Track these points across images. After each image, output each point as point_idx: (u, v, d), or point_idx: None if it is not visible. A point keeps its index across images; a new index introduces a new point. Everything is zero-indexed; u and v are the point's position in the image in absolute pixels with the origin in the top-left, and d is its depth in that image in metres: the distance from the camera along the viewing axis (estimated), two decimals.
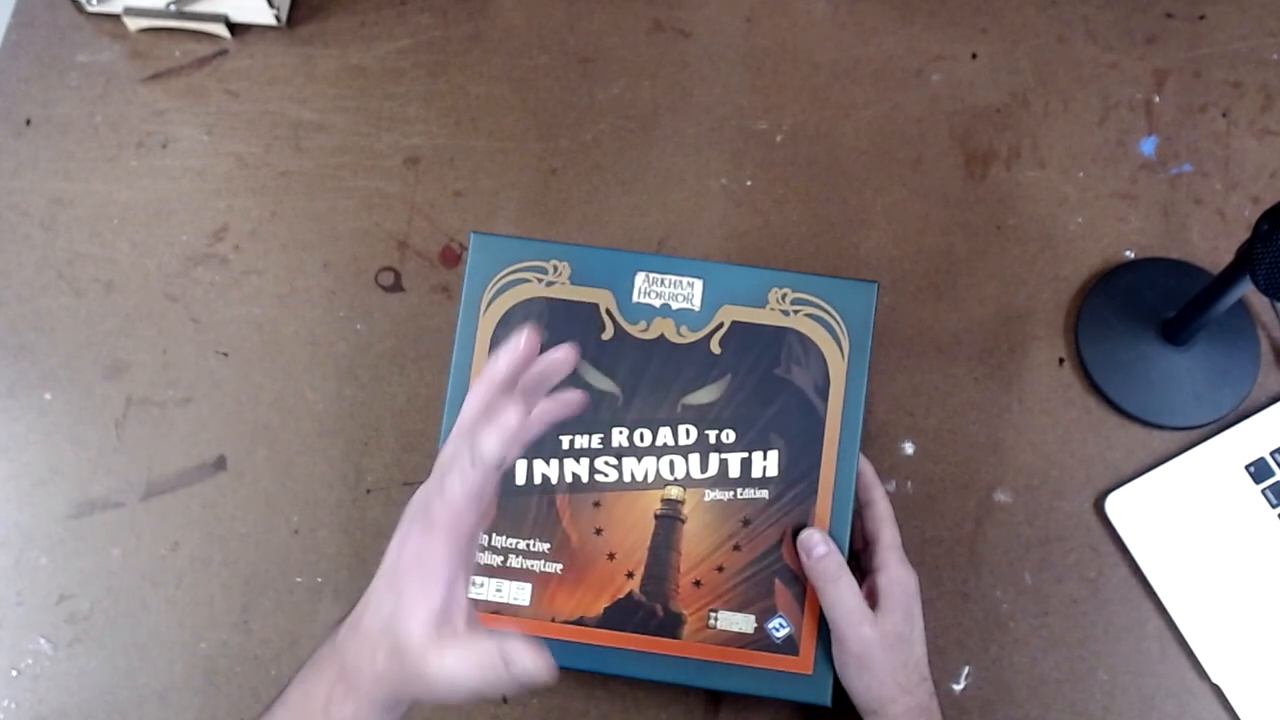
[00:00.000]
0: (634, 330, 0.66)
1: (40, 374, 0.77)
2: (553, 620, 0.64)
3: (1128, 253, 0.78)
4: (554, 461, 0.65)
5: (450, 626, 0.48)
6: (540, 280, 0.67)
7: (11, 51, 0.85)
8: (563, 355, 0.52)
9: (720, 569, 0.64)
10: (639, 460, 0.65)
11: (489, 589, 0.65)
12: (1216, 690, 0.68)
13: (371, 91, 0.83)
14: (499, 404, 0.47)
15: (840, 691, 0.63)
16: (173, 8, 0.82)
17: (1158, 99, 0.82)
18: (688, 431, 0.65)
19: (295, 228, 0.80)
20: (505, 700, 0.69)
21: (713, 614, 0.64)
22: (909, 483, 0.73)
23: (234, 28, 0.84)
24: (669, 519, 0.65)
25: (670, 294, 0.66)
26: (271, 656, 0.71)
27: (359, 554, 0.72)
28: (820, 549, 0.62)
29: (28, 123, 0.83)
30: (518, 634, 0.47)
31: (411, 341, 0.77)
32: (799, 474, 0.65)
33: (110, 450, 0.75)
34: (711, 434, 0.65)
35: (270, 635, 0.71)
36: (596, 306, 0.66)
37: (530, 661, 0.46)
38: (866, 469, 0.66)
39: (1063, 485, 0.73)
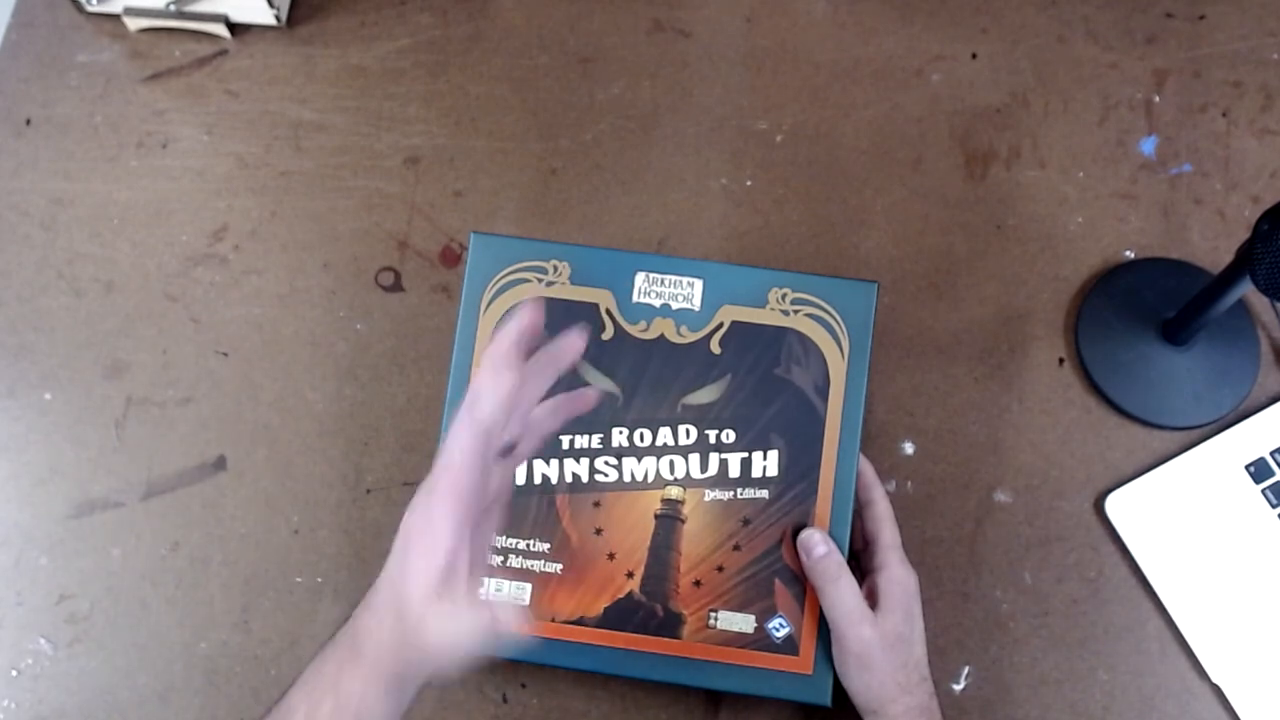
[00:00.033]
0: (634, 330, 0.66)
1: (40, 374, 0.77)
2: (553, 620, 0.64)
3: (1128, 253, 0.78)
4: (554, 461, 0.65)
5: (451, 591, 0.48)
6: (540, 280, 0.67)
7: (11, 51, 0.85)
8: (574, 337, 0.53)
9: (720, 569, 0.64)
10: (639, 460, 0.65)
11: (489, 589, 0.65)
12: (1216, 690, 0.68)
13: (371, 91, 0.83)
14: (499, 369, 0.48)
15: (840, 691, 0.63)
16: (173, 8, 0.82)
17: (1158, 99, 0.82)
18: (688, 431, 0.65)
19: (295, 228, 0.80)
20: (505, 700, 0.69)
21: (713, 614, 0.64)
22: (909, 483, 0.73)
23: (234, 28, 0.84)
24: (669, 519, 0.65)
25: (670, 294, 0.66)
26: (271, 656, 0.71)
27: (359, 554, 0.72)
28: (820, 549, 0.62)
29: (28, 123, 0.83)
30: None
31: (411, 341, 0.77)
32: (799, 474, 0.65)
33: (110, 450, 0.75)
34: (711, 434, 0.65)
35: (270, 635, 0.71)
36: (596, 306, 0.66)
37: (513, 620, 0.50)
38: (866, 469, 0.66)
39: (1063, 485, 0.73)
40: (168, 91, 0.83)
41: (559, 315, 0.66)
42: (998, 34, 0.84)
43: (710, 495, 0.65)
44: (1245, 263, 0.61)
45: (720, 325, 0.66)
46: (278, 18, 0.84)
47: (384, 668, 0.49)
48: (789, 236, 0.79)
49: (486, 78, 0.84)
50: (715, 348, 0.66)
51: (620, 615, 0.64)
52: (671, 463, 0.65)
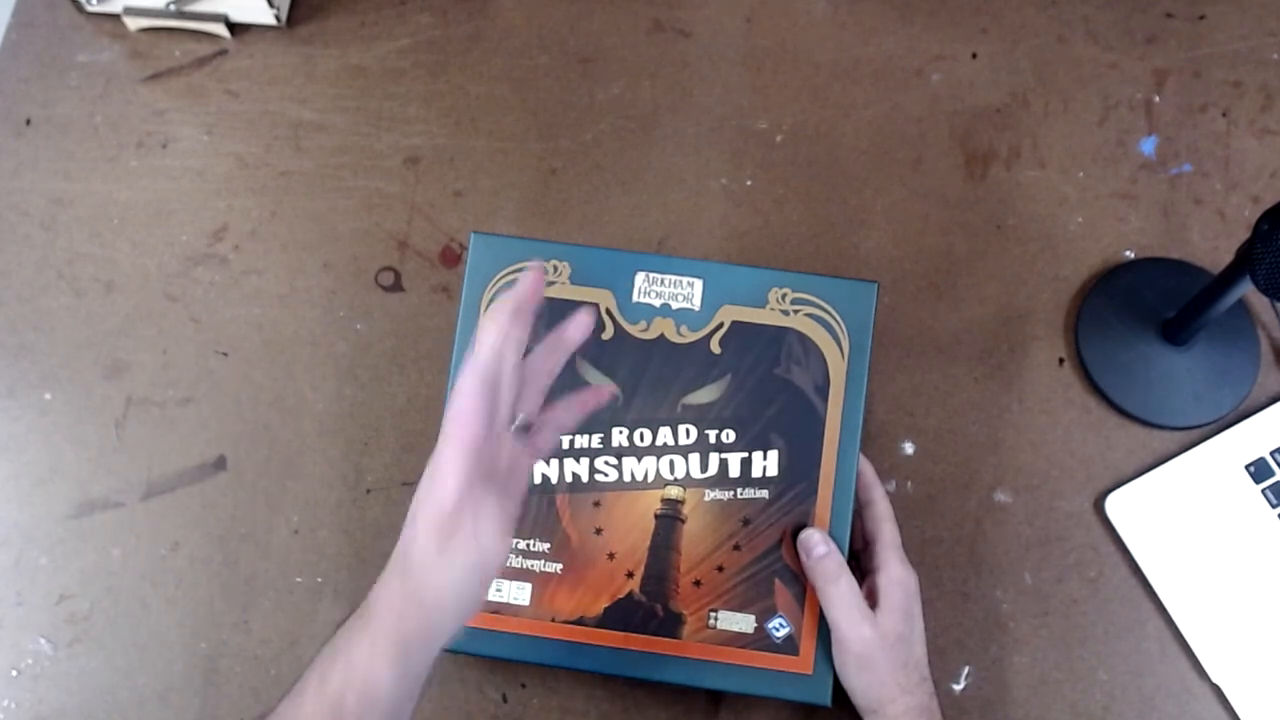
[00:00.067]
0: (634, 330, 0.66)
1: (40, 374, 0.77)
2: (553, 620, 0.64)
3: (1128, 253, 0.78)
4: (554, 461, 0.65)
5: (453, 540, 0.49)
6: (527, 270, 0.66)
7: (11, 51, 0.85)
8: (582, 316, 0.56)
9: (720, 569, 0.64)
10: (639, 460, 0.65)
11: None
12: (1216, 690, 0.68)
13: (371, 91, 0.83)
14: (497, 316, 0.50)
15: (840, 691, 0.63)
16: (173, 7, 0.82)
17: (1158, 99, 0.82)
18: (688, 431, 0.65)
19: (295, 228, 0.80)
20: (505, 700, 0.69)
21: (713, 614, 0.64)
22: (909, 483, 0.73)
23: (234, 28, 0.84)
24: (669, 519, 0.65)
25: (670, 294, 0.66)
26: (271, 656, 0.71)
27: (359, 554, 0.72)
28: (820, 549, 0.62)
29: (28, 123, 0.83)
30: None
31: (411, 341, 0.77)
32: (799, 474, 0.65)
33: (110, 450, 0.75)
34: (711, 434, 0.65)
35: (270, 635, 0.71)
36: (597, 306, 0.66)
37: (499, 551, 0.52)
38: (866, 469, 0.66)
39: (1063, 485, 0.73)
40: (168, 91, 0.83)
41: (559, 315, 0.66)
42: (998, 34, 0.84)
43: (710, 495, 0.65)
44: (1245, 263, 0.61)
45: (720, 325, 0.66)
46: (278, 18, 0.84)
47: (389, 632, 0.49)
48: (789, 236, 0.79)
49: (486, 78, 0.84)
50: (715, 348, 0.66)
51: (620, 615, 0.64)
52: (671, 462, 0.65)
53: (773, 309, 0.66)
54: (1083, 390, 0.75)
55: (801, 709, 0.69)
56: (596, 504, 0.65)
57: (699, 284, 0.66)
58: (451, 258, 0.79)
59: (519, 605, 0.65)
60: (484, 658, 0.68)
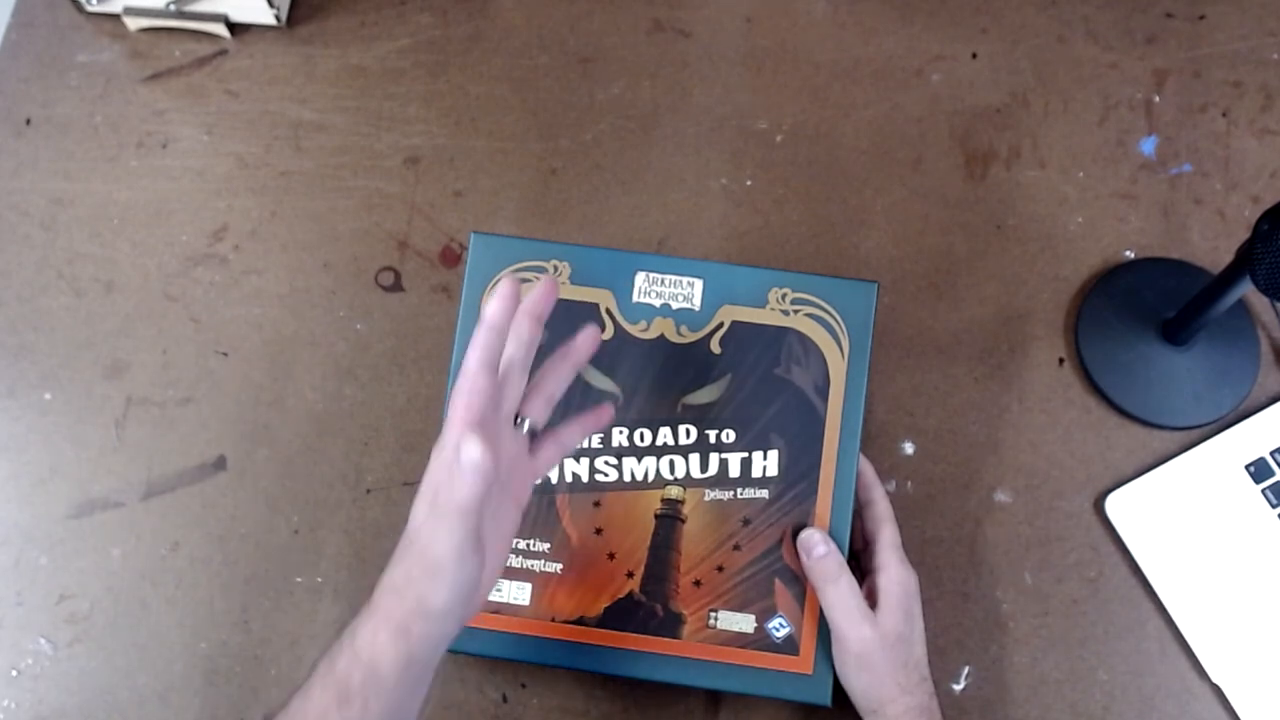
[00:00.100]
0: (634, 330, 0.66)
1: (40, 374, 0.77)
2: (553, 620, 0.64)
3: (1128, 253, 0.78)
4: None
5: (443, 505, 0.50)
6: (540, 280, 0.66)
7: (11, 51, 0.85)
8: (590, 331, 0.59)
9: (720, 569, 0.64)
10: (639, 460, 0.65)
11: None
12: (1216, 690, 0.68)
13: (371, 91, 0.83)
14: (503, 289, 0.54)
15: (840, 691, 0.63)
16: (173, 7, 0.82)
17: (1158, 99, 0.82)
18: (688, 431, 0.65)
19: (295, 228, 0.80)
20: (505, 700, 0.69)
21: (713, 614, 0.64)
22: (909, 483, 0.73)
23: (234, 28, 0.84)
24: (669, 519, 0.65)
25: (670, 294, 0.66)
26: (271, 656, 0.71)
27: (359, 554, 0.72)
28: (820, 549, 0.62)
29: (28, 123, 0.83)
30: None
31: (411, 341, 0.77)
32: (799, 474, 0.65)
33: (110, 450, 0.75)
34: (711, 434, 0.65)
35: (270, 635, 0.71)
36: (597, 306, 0.66)
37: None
38: (866, 469, 0.66)
39: (1063, 485, 0.73)
40: (168, 91, 0.83)
41: (559, 315, 0.66)
42: (998, 34, 0.84)
43: (710, 495, 0.65)
44: (1245, 263, 0.61)
45: (720, 325, 0.66)
46: (278, 18, 0.84)
47: (390, 611, 0.50)
48: (789, 236, 0.79)
49: (486, 78, 0.84)
50: (715, 347, 0.66)
51: (620, 615, 0.64)
52: (671, 462, 0.65)
53: (773, 309, 0.66)
54: (1083, 390, 0.75)
55: (801, 709, 0.69)
56: (597, 504, 0.65)
57: (699, 284, 0.66)
58: (451, 258, 0.79)
59: (519, 605, 0.65)
60: (484, 658, 0.68)
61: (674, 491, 0.65)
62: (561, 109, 0.83)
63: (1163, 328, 0.74)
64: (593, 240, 0.79)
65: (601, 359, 0.65)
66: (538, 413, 0.57)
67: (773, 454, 0.65)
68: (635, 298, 0.66)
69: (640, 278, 0.67)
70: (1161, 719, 0.68)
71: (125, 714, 0.70)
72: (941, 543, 0.72)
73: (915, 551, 0.67)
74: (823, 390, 0.65)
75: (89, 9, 0.84)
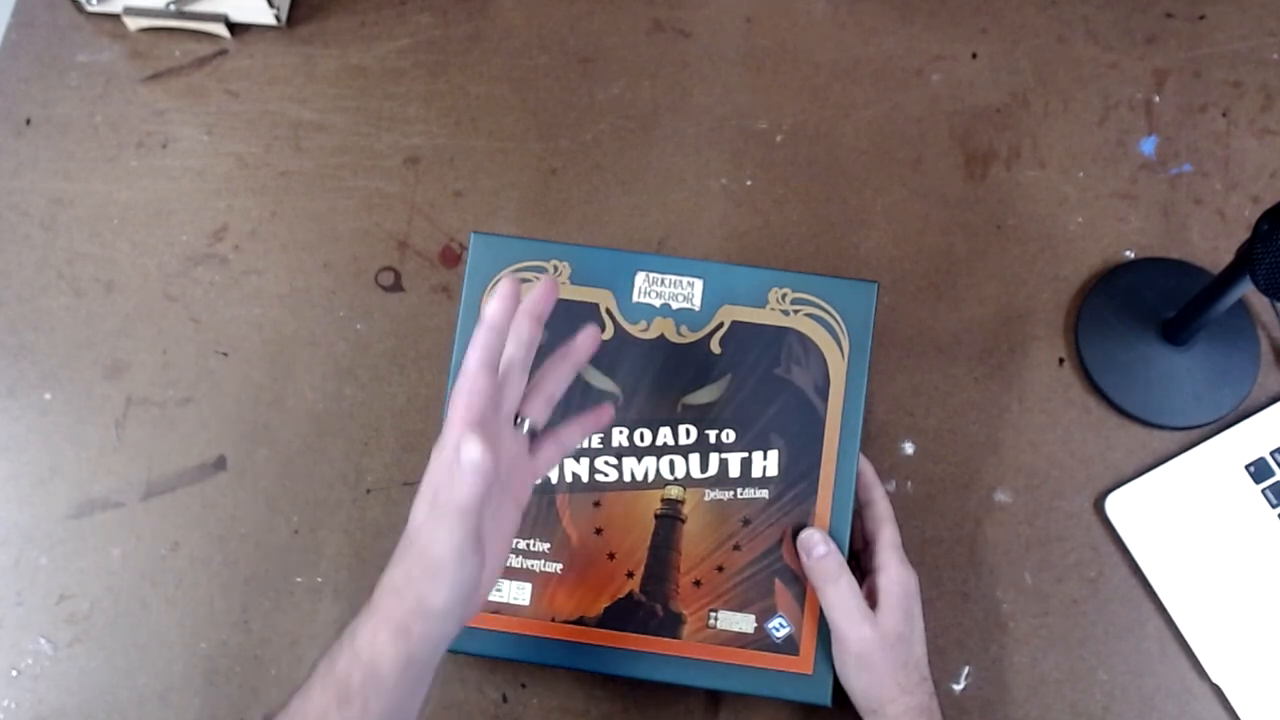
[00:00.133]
0: (634, 330, 0.66)
1: (40, 374, 0.77)
2: (553, 620, 0.64)
3: (1128, 253, 0.78)
4: None
5: (443, 506, 0.50)
6: (540, 280, 0.66)
7: (11, 51, 0.85)
8: (591, 331, 0.59)
9: (720, 569, 0.64)
10: (639, 460, 0.65)
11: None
12: (1216, 690, 0.68)
13: (371, 91, 0.83)
14: (503, 288, 0.54)
15: (840, 691, 0.63)
16: (173, 7, 0.82)
17: (1158, 99, 0.82)
18: (688, 431, 0.65)
19: (295, 228, 0.80)
20: (505, 700, 0.69)
21: (713, 614, 0.64)
22: (909, 483, 0.73)
23: (234, 28, 0.84)
24: (669, 519, 0.65)
25: (670, 294, 0.66)
26: (271, 656, 0.71)
27: (359, 554, 0.72)
28: (820, 549, 0.62)
29: (28, 123, 0.83)
30: None
31: (411, 341, 0.77)
32: (799, 474, 0.65)
33: (110, 450, 0.75)
34: (711, 434, 0.65)
35: (270, 635, 0.71)
36: (597, 306, 0.66)
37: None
38: (866, 469, 0.66)
39: (1063, 485, 0.73)
40: (168, 91, 0.83)
41: (559, 315, 0.66)
42: (998, 34, 0.84)
43: (710, 495, 0.65)
44: (1245, 263, 0.61)
45: (720, 325, 0.66)
46: (278, 18, 0.84)
47: (390, 611, 0.50)
48: (789, 236, 0.79)
49: (486, 78, 0.84)
50: (715, 347, 0.66)
51: (620, 615, 0.64)
52: (671, 462, 0.65)
53: (773, 309, 0.66)
54: (1083, 390, 0.75)
55: (801, 709, 0.69)
56: (597, 504, 0.65)
57: (699, 284, 0.66)
58: (451, 258, 0.79)
59: (519, 605, 0.65)
60: (484, 658, 0.68)
61: (674, 491, 0.65)
62: (561, 109, 0.83)
63: (1163, 328, 0.74)
64: (593, 240, 0.79)
65: (601, 359, 0.65)
66: (537, 413, 0.57)
67: (773, 454, 0.65)
68: (635, 298, 0.66)
69: (640, 278, 0.67)
70: (1161, 719, 0.68)
71: (125, 714, 0.70)
72: (941, 543, 0.72)
73: (915, 551, 0.67)
74: (823, 390, 0.65)
75: (89, 9, 0.84)
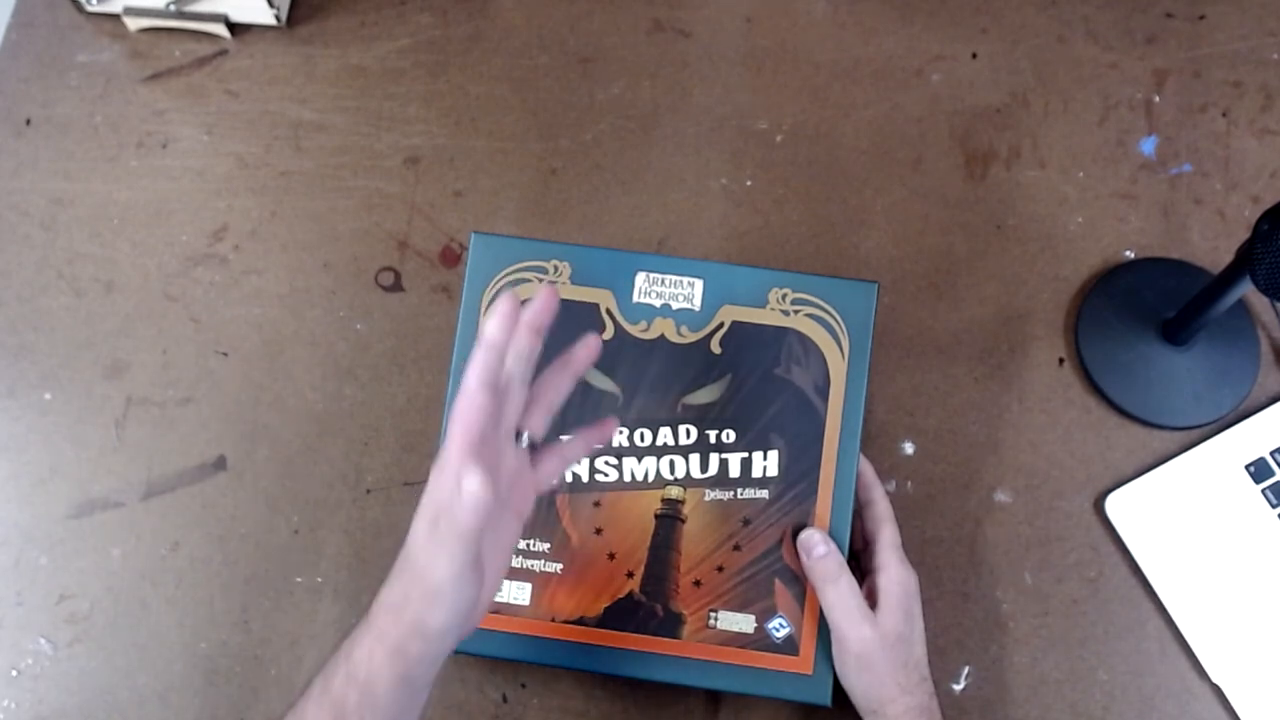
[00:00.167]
0: (634, 330, 0.66)
1: (40, 374, 0.77)
2: (553, 620, 0.64)
3: (1128, 253, 0.78)
4: None
5: (443, 530, 0.49)
6: (540, 280, 0.67)
7: (11, 51, 0.85)
8: (591, 340, 0.58)
9: (720, 569, 0.64)
10: (639, 460, 0.65)
11: None
12: (1216, 690, 0.68)
13: (371, 91, 0.83)
14: (502, 303, 0.53)
15: (840, 691, 0.63)
16: (173, 8, 0.82)
17: (1158, 99, 0.82)
18: (688, 431, 0.65)
19: (295, 228, 0.80)
20: (505, 700, 0.69)
21: (713, 614, 0.64)
22: (909, 483, 0.73)
23: (234, 28, 0.84)
24: (669, 519, 0.65)
25: (670, 294, 0.66)
26: (271, 656, 0.71)
27: (359, 554, 0.72)
28: (820, 549, 0.62)
29: (28, 123, 0.83)
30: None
31: (411, 341, 0.77)
32: (799, 474, 0.65)
33: (110, 450, 0.75)
34: (711, 434, 0.65)
35: (270, 635, 0.71)
36: (597, 306, 0.66)
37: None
38: (866, 469, 0.66)
39: (1063, 485, 0.73)
40: (168, 91, 0.83)
41: (559, 315, 0.66)
42: (998, 34, 0.84)
43: (710, 495, 0.65)
44: (1245, 263, 0.61)
45: (720, 325, 0.66)
46: (278, 18, 0.84)
47: (387, 631, 0.50)
48: (789, 236, 0.79)
49: (486, 78, 0.84)
50: (715, 348, 0.66)
51: (620, 615, 0.64)
52: (671, 463, 0.65)
53: (773, 309, 0.66)
54: (1083, 390, 0.75)
55: (801, 709, 0.69)
56: (597, 504, 0.65)
57: (699, 284, 0.66)
58: (451, 258, 0.79)
59: (519, 605, 0.65)
60: (484, 658, 0.68)
61: (674, 491, 0.65)
62: (561, 109, 0.83)
63: (1163, 328, 0.74)
64: (593, 240, 0.79)
65: (602, 359, 0.65)
66: (537, 427, 0.57)
67: (773, 454, 0.65)
68: (635, 298, 0.66)
69: (640, 278, 0.67)
70: (1161, 719, 0.68)
71: (125, 714, 0.70)
72: (941, 543, 0.72)
73: (915, 551, 0.67)
74: (823, 390, 0.65)
75: (89, 9, 0.84)
